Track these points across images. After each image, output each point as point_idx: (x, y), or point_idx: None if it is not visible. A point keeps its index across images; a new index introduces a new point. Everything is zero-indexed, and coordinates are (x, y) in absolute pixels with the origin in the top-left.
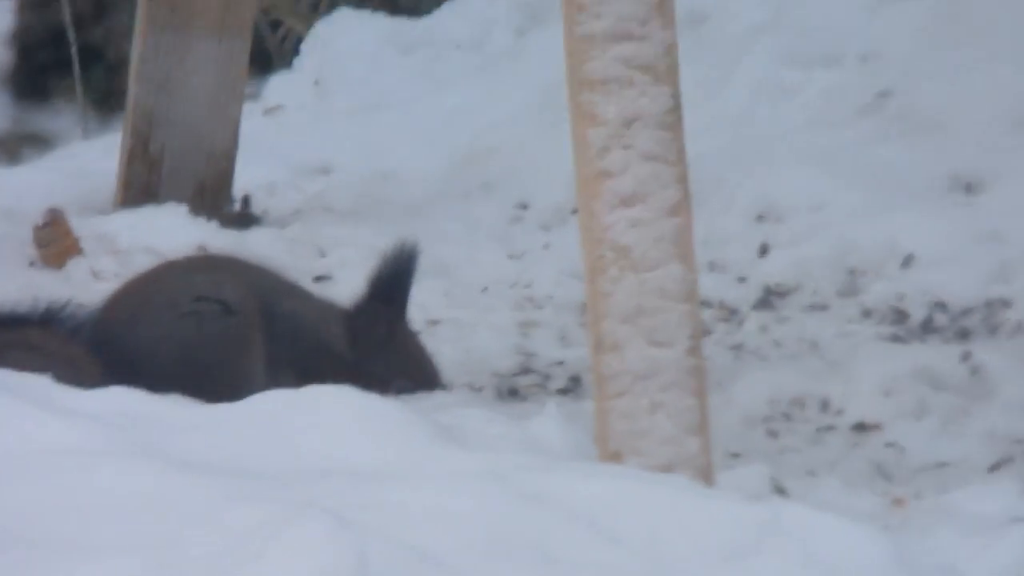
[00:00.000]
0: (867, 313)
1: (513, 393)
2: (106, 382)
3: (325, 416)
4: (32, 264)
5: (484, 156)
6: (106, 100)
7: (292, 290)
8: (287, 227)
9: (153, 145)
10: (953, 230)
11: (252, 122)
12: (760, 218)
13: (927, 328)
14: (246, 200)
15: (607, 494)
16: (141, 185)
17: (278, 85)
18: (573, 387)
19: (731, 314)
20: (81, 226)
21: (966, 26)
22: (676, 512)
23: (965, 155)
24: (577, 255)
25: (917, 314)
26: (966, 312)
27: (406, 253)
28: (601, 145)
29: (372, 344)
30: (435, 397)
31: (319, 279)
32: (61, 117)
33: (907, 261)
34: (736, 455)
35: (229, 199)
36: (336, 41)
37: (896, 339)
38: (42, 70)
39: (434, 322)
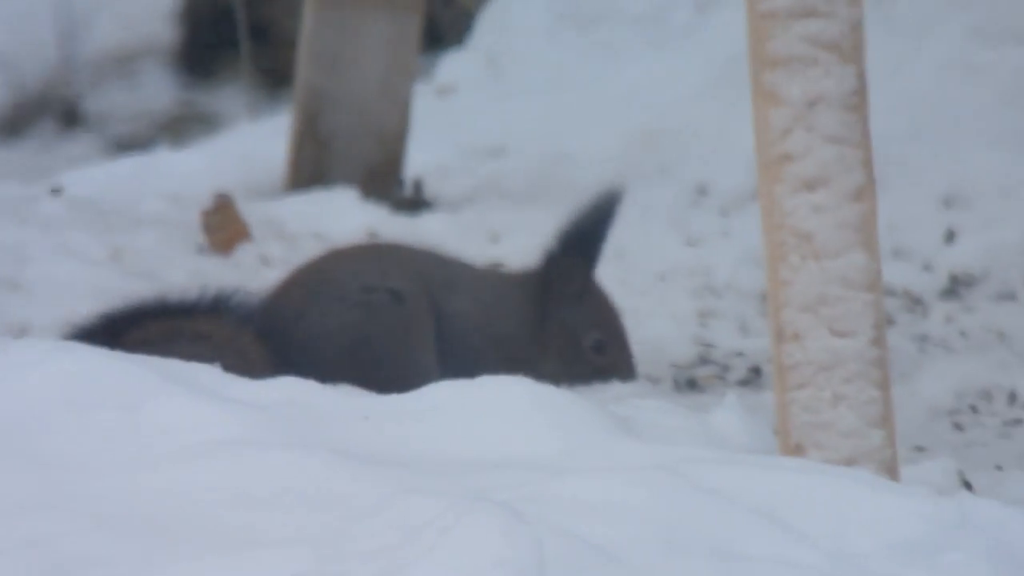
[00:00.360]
0: None
1: (691, 384)
2: (275, 372)
3: (499, 406)
4: (200, 250)
5: (662, 137)
6: (274, 79)
7: (462, 276)
8: (459, 212)
9: (322, 127)
10: None
11: (423, 102)
12: (947, 203)
13: None
14: (417, 184)
15: (788, 488)
16: (310, 168)
17: (450, 63)
18: (753, 378)
19: (916, 303)
20: (249, 211)
21: None
22: (859, 507)
23: None
24: (758, 241)
25: None
26: None
27: (607, 201)
28: (783, 127)
29: (565, 297)
30: (612, 388)
31: (493, 265)
32: (227, 96)
33: None
34: (921, 448)
35: (399, 182)
36: (511, 17)
37: None
38: (209, 48)
39: None
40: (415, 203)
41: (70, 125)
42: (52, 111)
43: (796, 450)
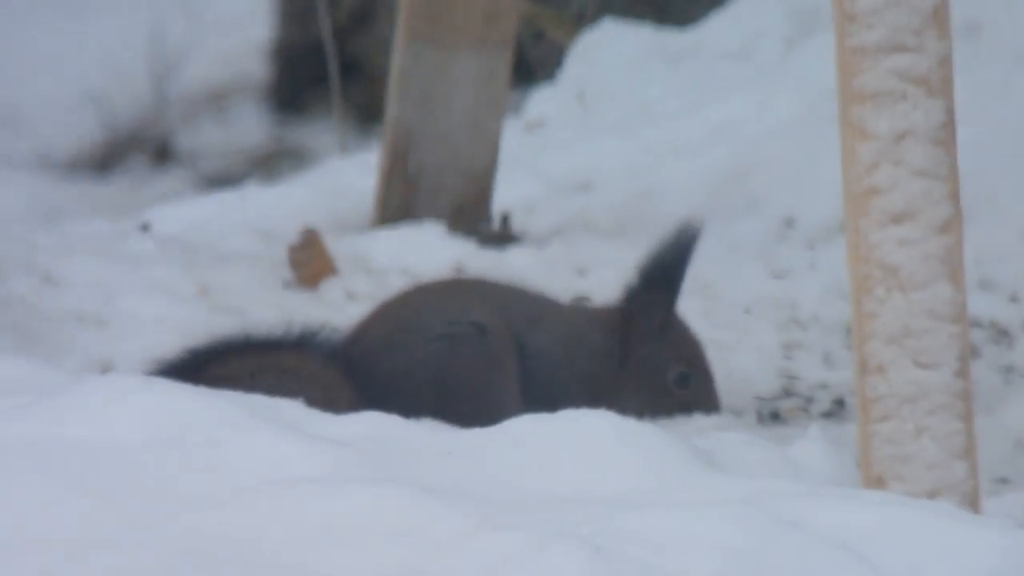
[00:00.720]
0: None
1: (775, 417)
2: (360, 407)
3: (580, 440)
4: (287, 285)
5: (750, 171)
6: (365, 114)
7: (544, 311)
8: (546, 246)
9: (411, 163)
10: None
11: (513, 137)
12: None
13: None
14: (505, 219)
15: (870, 521)
16: (398, 204)
17: (540, 98)
18: (837, 410)
19: (1002, 335)
20: (336, 246)
21: None
22: (942, 540)
23: None
24: (844, 274)
25: None
26: None
27: (687, 234)
28: (871, 160)
29: (647, 332)
30: (695, 421)
31: (578, 300)
32: (319, 132)
33: None
34: (1004, 480)
35: (487, 217)
36: (600, 52)
37: None
38: (301, 84)
39: None
40: (502, 238)
41: (162, 161)
42: (144, 148)
43: (878, 482)
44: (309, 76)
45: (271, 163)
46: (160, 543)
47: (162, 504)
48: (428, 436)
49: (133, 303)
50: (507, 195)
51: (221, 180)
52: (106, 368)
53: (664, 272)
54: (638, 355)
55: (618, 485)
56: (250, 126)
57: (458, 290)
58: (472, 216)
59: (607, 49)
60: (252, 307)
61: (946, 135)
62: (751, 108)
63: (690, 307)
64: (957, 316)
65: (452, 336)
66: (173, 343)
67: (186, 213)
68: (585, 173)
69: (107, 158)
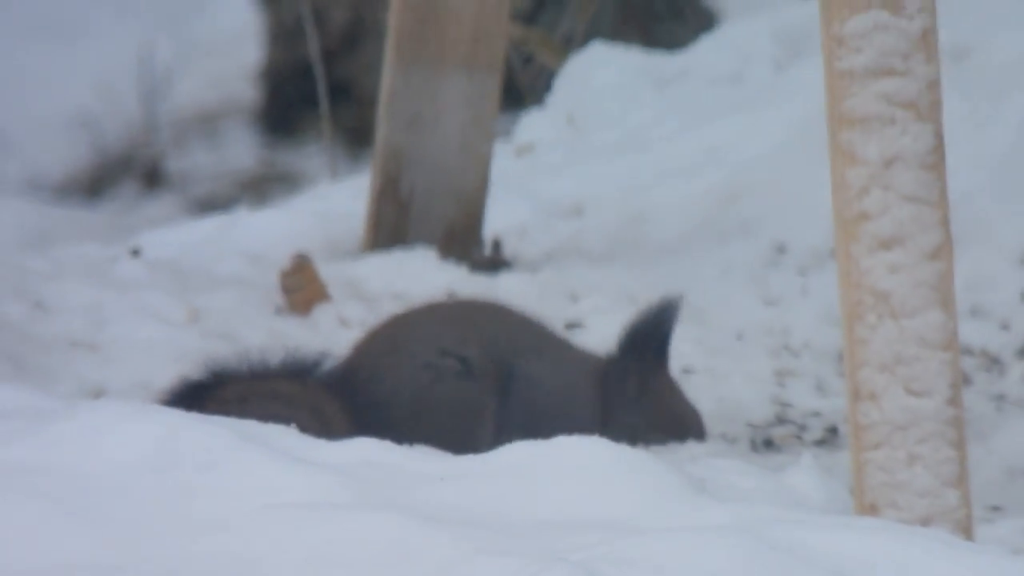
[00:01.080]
0: None
1: (768, 444)
2: (353, 432)
3: (574, 467)
4: (278, 311)
5: (741, 195)
6: (356, 137)
7: (540, 344)
8: (538, 271)
9: (402, 186)
10: None
11: (503, 161)
12: None
13: None
14: (496, 244)
15: (863, 548)
16: (390, 228)
17: (530, 122)
18: (830, 438)
19: (993, 362)
20: (328, 271)
21: None
22: (935, 568)
23: None
24: (836, 300)
25: None
26: None
27: (665, 307)
28: (860, 185)
29: (623, 400)
30: (688, 448)
31: (570, 326)
32: (309, 155)
33: None
34: (997, 508)
35: (479, 242)
36: (590, 76)
37: None
38: (290, 107)
39: (687, 370)
40: (494, 263)
41: (152, 185)
42: (134, 171)
43: (871, 510)
44: (299, 99)
45: (261, 187)
46: (152, 570)
47: (154, 531)
48: (422, 462)
49: (124, 328)
50: (498, 220)
51: (212, 204)
52: (98, 393)
53: (639, 342)
54: (616, 422)
55: (612, 511)
56: (240, 149)
57: (454, 317)
58: (464, 239)
59: (596, 73)
60: (243, 332)
61: (935, 160)
62: (741, 132)
63: (683, 334)
64: (948, 343)
65: (437, 368)
66: (165, 369)
67: (177, 237)
68: (576, 197)
69: (97, 182)
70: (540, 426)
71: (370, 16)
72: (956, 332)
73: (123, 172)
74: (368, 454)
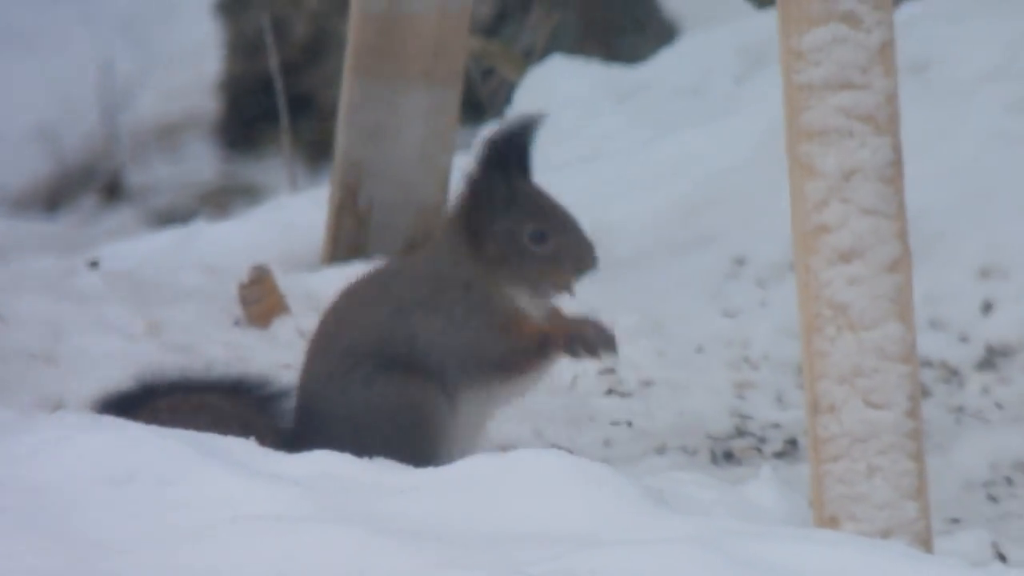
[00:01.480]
0: None
1: (728, 456)
2: (284, 447)
3: (533, 479)
4: (238, 323)
5: (701, 208)
6: (316, 150)
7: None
8: None
9: (362, 198)
10: None
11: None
12: (984, 274)
13: None
14: None
15: (823, 561)
16: (349, 240)
17: None
18: (790, 450)
19: (952, 374)
20: (287, 283)
21: None
22: None
23: None
24: (795, 312)
25: None
26: None
27: (524, 120)
28: (819, 198)
29: (495, 210)
30: (647, 460)
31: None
32: (269, 167)
33: None
34: (956, 520)
35: None
36: (550, 88)
37: None
38: (251, 120)
39: (647, 383)
40: None
41: (112, 197)
42: (94, 184)
43: (831, 522)
44: (259, 111)
45: (221, 199)
46: None
47: (115, 544)
48: (380, 475)
49: (83, 340)
50: None
51: (172, 216)
52: (57, 406)
53: (499, 155)
54: (492, 234)
55: (571, 524)
56: (200, 162)
57: (366, 304)
58: None
59: (557, 85)
60: (202, 345)
61: (894, 173)
62: (702, 145)
63: (643, 346)
64: (907, 356)
65: (372, 382)
66: (123, 380)
67: (136, 250)
68: None
69: (56, 195)
70: (449, 344)
71: (331, 29)
72: (915, 344)
73: (83, 184)
74: (327, 467)
